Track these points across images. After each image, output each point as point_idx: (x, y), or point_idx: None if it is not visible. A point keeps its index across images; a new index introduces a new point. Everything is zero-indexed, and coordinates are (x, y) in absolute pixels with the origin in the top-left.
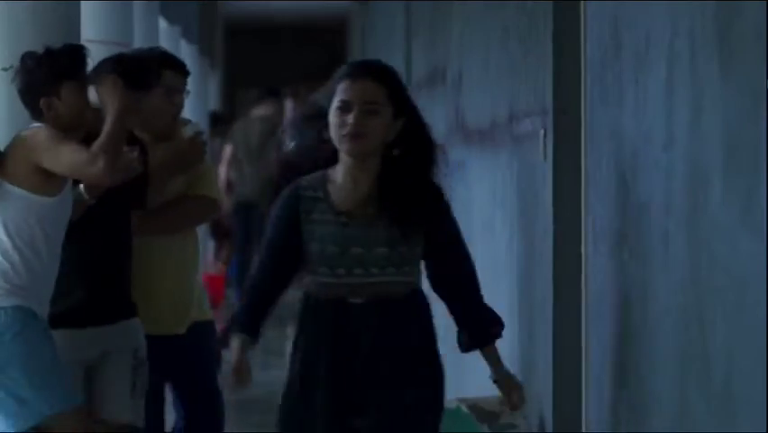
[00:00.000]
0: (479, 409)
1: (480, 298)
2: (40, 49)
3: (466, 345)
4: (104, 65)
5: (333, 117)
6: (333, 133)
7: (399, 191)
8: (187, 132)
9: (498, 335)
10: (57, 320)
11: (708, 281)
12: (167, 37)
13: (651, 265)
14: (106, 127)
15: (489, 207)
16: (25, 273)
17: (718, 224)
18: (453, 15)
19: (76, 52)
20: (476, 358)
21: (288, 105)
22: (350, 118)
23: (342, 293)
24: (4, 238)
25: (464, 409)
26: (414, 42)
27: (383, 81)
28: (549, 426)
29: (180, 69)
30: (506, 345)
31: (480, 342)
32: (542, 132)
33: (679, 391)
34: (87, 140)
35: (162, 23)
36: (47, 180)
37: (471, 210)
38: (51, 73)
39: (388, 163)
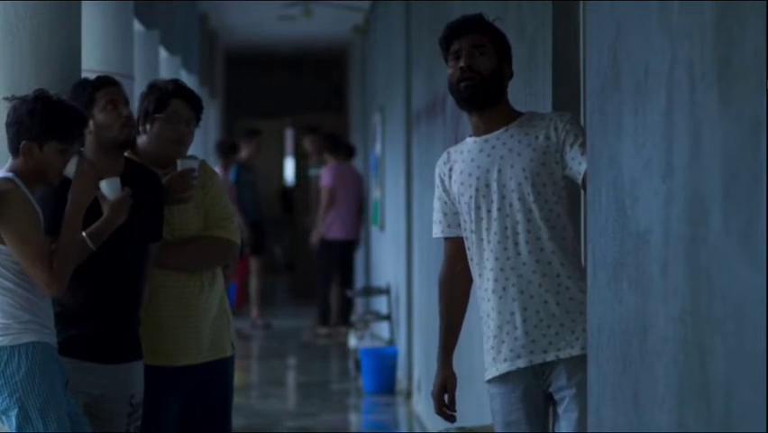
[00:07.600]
0: None
1: None
2: (54, 91)
3: None
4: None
5: None
6: None
7: None
8: (179, 166)
9: None
10: (64, 348)
11: (708, 311)
12: (167, 67)
13: (650, 295)
14: (62, 239)
15: None
16: (29, 307)
17: (718, 253)
18: None
19: (81, 122)
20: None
21: (289, 135)
22: None
23: None
24: (3, 280)
25: None
26: (414, 72)
27: None
28: None
29: (188, 99)
30: None
31: None
32: None
33: (678, 422)
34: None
35: (163, 53)
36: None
37: None
38: (49, 125)
39: None
